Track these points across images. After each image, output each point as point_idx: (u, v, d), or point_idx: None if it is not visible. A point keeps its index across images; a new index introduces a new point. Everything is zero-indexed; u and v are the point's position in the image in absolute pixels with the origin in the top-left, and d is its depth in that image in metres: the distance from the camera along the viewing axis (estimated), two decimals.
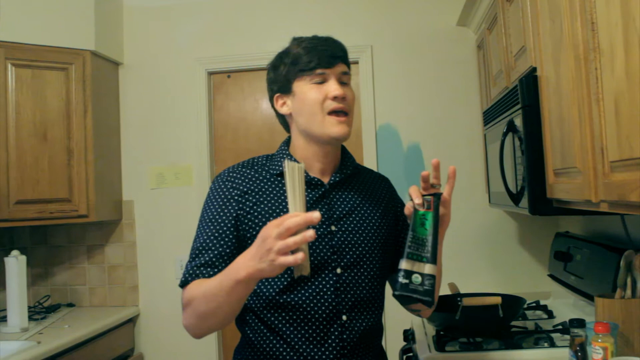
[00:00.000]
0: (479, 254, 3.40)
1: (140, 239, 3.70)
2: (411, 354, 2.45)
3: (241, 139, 3.67)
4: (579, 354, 1.73)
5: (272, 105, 1.69)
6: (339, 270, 1.57)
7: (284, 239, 1.21)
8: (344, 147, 1.75)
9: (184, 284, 1.52)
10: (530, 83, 2.01)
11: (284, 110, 1.65)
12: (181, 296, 1.52)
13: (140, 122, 3.72)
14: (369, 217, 1.65)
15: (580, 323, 1.75)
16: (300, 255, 1.21)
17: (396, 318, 3.08)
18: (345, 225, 1.61)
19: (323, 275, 1.55)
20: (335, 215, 1.61)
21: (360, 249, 1.61)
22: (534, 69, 2.04)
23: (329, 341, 1.54)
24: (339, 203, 1.63)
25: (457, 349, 2.26)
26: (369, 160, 3.45)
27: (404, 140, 3.48)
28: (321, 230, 1.57)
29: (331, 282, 1.55)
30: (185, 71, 3.69)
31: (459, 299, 2.29)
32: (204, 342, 3.38)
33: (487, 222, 3.41)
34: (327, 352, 1.54)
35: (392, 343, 3.20)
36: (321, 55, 1.57)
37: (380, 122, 3.49)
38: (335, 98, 1.55)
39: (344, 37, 3.41)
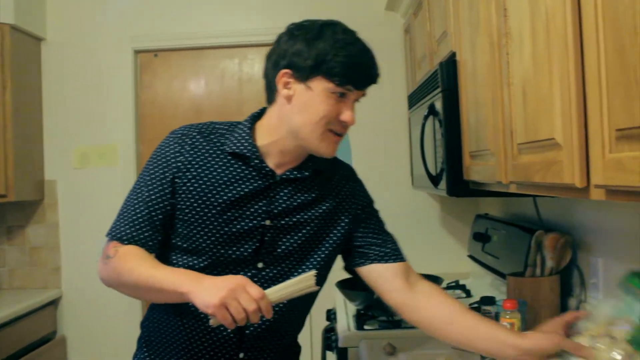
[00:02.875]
0: (402, 235, 3.39)
1: (64, 219, 3.61)
2: (333, 333, 2.49)
3: (168, 118, 3.62)
4: None
5: (270, 72, 1.50)
6: (260, 265, 1.52)
7: (245, 302, 1.23)
8: None
9: (114, 237, 1.48)
10: (450, 67, 2.06)
11: (285, 92, 1.45)
12: (105, 245, 1.48)
13: (64, 100, 3.62)
14: (311, 218, 1.56)
15: (490, 300, 1.82)
16: (229, 326, 1.24)
17: (319, 298, 3.11)
18: (282, 222, 1.53)
19: (242, 266, 1.50)
20: (275, 211, 1.51)
21: (290, 248, 1.54)
22: (454, 54, 2.09)
23: (229, 330, 1.49)
24: (284, 199, 1.53)
25: (377, 327, 2.31)
26: None
27: None
28: (255, 222, 1.50)
29: (249, 274, 1.49)
30: (112, 49, 3.61)
31: None
32: (129, 325, 3.34)
33: (410, 204, 3.48)
34: (228, 341, 1.51)
35: (316, 323, 3.24)
36: (359, 75, 1.44)
37: None
38: (344, 123, 1.45)
39: (270, 18, 3.44)
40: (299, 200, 1.55)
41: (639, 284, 1.34)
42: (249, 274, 1.49)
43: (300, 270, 1.55)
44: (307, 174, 1.55)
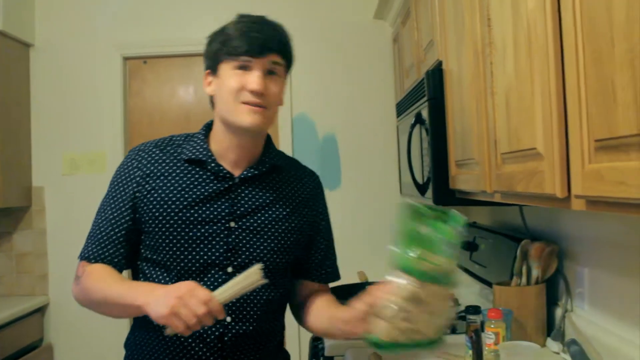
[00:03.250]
0: (389, 242, 3.46)
1: (51, 226, 3.59)
2: (320, 342, 2.48)
3: (157, 125, 3.61)
4: (474, 339, 1.79)
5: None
6: (229, 270, 1.50)
7: (194, 307, 1.23)
8: (270, 140, 1.65)
9: (82, 258, 1.53)
10: (436, 76, 2.06)
11: (209, 90, 1.55)
12: (77, 266, 1.53)
13: (53, 106, 3.61)
14: (276, 218, 1.56)
15: (475, 310, 1.81)
16: (183, 333, 1.24)
17: None
18: (247, 224, 1.52)
19: (213, 272, 1.50)
20: (238, 212, 1.52)
21: (258, 250, 1.53)
22: (441, 63, 2.10)
23: (207, 340, 1.49)
24: (245, 199, 1.54)
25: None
26: (284, 150, 3.45)
27: (319, 130, 3.51)
28: (219, 225, 1.50)
29: (219, 280, 1.47)
30: (101, 56, 3.60)
31: (367, 287, 2.32)
32: (116, 333, 3.32)
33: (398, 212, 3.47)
34: (208, 347, 1.50)
35: (304, 332, 3.23)
36: (252, 41, 1.45)
37: (296, 112, 3.51)
38: (251, 91, 1.45)
39: None
40: (260, 200, 1.56)
41: (416, 216, 1.31)
42: (220, 280, 1.48)
43: (269, 275, 1.51)
44: (264, 169, 1.57)
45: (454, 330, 2.29)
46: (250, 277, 1.32)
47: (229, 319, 1.50)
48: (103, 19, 3.61)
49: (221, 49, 1.48)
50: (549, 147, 1.12)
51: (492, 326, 1.75)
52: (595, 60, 0.92)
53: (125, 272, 1.57)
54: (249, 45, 1.45)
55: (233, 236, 1.51)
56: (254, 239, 1.53)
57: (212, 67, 1.53)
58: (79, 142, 3.60)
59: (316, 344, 2.54)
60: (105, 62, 3.60)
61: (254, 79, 1.45)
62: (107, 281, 1.45)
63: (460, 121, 1.86)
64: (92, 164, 3.58)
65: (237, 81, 1.46)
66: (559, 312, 2.00)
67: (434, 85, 2.06)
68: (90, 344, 3.50)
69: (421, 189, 2.24)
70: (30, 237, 3.59)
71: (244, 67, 1.46)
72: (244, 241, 1.52)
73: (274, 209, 1.57)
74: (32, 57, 3.62)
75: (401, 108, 2.77)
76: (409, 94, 2.47)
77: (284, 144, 3.48)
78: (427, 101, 2.08)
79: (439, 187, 2.05)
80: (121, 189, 1.54)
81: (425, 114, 2.13)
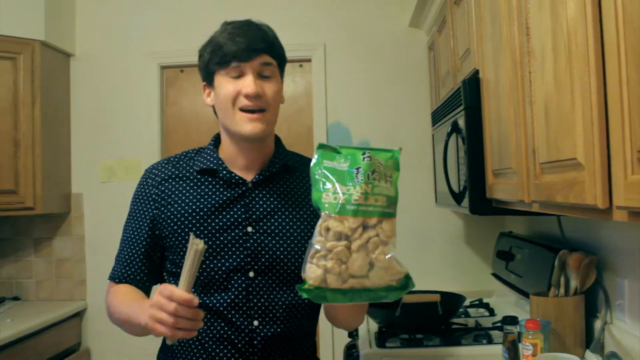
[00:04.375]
0: (426, 252, 3.45)
1: (89, 232, 3.65)
2: (355, 350, 2.48)
3: (193, 134, 3.65)
4: (511, 350, 1.78)
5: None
6: (251, 274, 1.52)
7: (169, 312, 1.23)
8: (279, 141, 1.68)
9: (110, 278, 1.61)
10: (472, 85, 2.05)
11: (208, 101, 1.59)
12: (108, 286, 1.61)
13: (92, 114, 3.67)
14: (293, 219, 1.57)
15: (513, 320, 1.80)
16: (175, 336, 1.26)
17: None
18: (265, 227, 1.54)
19: (235, 278, 1.51)
20: (254, 216, 1.54)
21: (278, 252, 1.53)
22: (477, 71, 2.09)
23: (239, 345, 1.51)
24: (260, 203, 1.55)
25: (398, 345, 2.29)
26: None
27: (354, 138, 3.51)
28: (237, 231, 1.52)
29: (243, 285, 1.50)
30: (138, 65, 3.66)
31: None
32: (152, 338, 3.36)
33: (434, 221, 3.46)
34: (241, 356, 1.51)
35: (338, 339, 3.24)
36: (238, 46, 1.48)
37: (332, 120, 3.52)
38: (247, 96, 1.47)
39: (297, 35, 3.45)
40: (275, 202, 1.57)
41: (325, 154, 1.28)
42: (243, 285, 1.51)
43: (291, 277, 1.55)
44: (275, 170, 1.59)
45: (490, 341, 2.27)
46: (191, 251, 1.29)
47: (256, 322, 1.52)
48: (140, 28, 3.67)
49: (211, 59, 1.52)
50: (590, 157, 1.11)
51: (529, 337, 1.73)
52: (638, 67, 0.90)
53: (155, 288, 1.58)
54: (236, 51, 1.48)
55: (251, 241, 1.53)
56: (273, 242, 1.54)
57: (208, 79, 1.57)
58: (117, 150, 3.65)
59: (351, 352, 2.54)
60: (142, 71, 3.65)
61: (247, 83, 1.48)
62: (124, 302, 1.50)
63: (497, 130, 1.85)
64: (129, 171, 3.63)
65: (232, 89, 1.49)
66: (598, 323, 1.96)
67: (470, 94, 2.05)
68: (126, 348, 3.52)
69: (457, 197, 2.22)
70: (69, 243, 3.65)
71: (236, 76, 1.49)
72: (263, 244, 1.53)
73: (290, 209, 1.58)
74: (72, 67, 3.69)
75: (437, 116, 2.76)
76: (445, 102, 2.46)
77: None
78: (463, 110, 2.07)
79: (475, 196, 2.03)
80: (139, 208, 1.59)
81: (461, 122, 2.11)
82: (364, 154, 1.28)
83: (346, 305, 1.31)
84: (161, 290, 1.26)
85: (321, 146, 1.30)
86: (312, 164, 1.28)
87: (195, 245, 1.27)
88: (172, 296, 1.23)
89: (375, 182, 1.24)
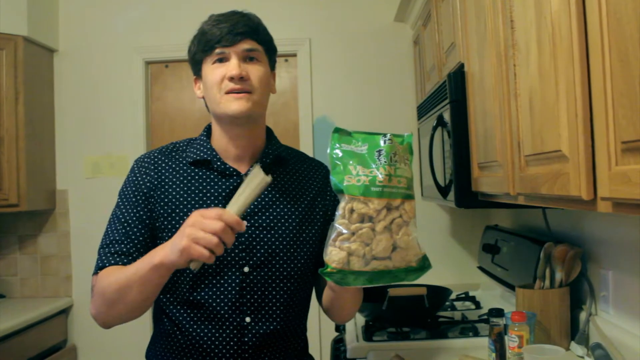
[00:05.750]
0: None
1: (75, 229, 3.63)
2: (342, 344, 2.48)
3: (178, 129, 3.64)
4: (497, 342, 1.79)
5: None
6: (246, 269, 1.49)
7: (209, 225, 1.20)
8: (271, 132, 1.66)
9: (94, 273, 1.48)
10: (458, 78, 2.06)
11: (199, 94, 1.58)
12: (91, 283, 1.48)
13: (76, 110, 3.65)
14: (288, 212, 1.55)
15: (499, 313, 1.81)
16: (209, 260, 1.21)
17: None
18: (260, 221, 1.52)
19: (229, 274, 1.48)
20: (248, 210, 1.49)
21: (273, 247, 1.51)
22: (462, 65, 2.09)
23: (231, 343, 1.48)
24: None
25: (385, 338, 2.30)
26: (305, 152, 3.47)
27: None
28: None
29: (237, 281, 1.48)
30: (123, 60, 3.63)
31: (387, 289, 2.32)
32: (138, 334, 3.34)
33: (420, 215, 3.43)
34: (230, 352, 1.48)
35: (325, 334, 3.24)
36: (222, 31, 1.48)
37: (317, 115, 3.51)
38: (232, 79, 1.46)
39: (283, 29, 3.44)
40: (270, 195, 1.56)
41: (339, 139, 1.30)
42: (237, 280, 1.48)
43: (287, 272, 1.53)
44: (268, 161, 1.57)
45: (476, 333, 2.28)
46: (255, 179, 1.29)
47: (248, 319, 1.49)
48: (125, 24, 3.64)
49: (197, 48, 1.53)
50: (574, 149, 1.12)
51: (515, 329, 1.74)
52: (621, 61, 0.91)
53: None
54: (219, 36, 1.48)
55: (245, 235, 1.50)
56: (268, 236, 1.52)
57: (197, 71, 1.57)
58: (102, 146, 3.63)
59: (338, 346, 2.54)
60: (127, 67, 3.63)
61: (231, 66, 1.47)
62: (119, 270, 1.40)
63: (482, 123, 1.85)
64: (114, 167, 3.61)
65: (217, 73, 1.49)
66: (583, 315, 1.98)
67: (455, 87, 2.05)
68: (113, 345, 3.51)
69: (443, 191, 2.23)
70: (55, 239, 3.62)
71: (221, 60, 1.49)
72: (258, 239, 1.51)
73: (284, 203, 1.56)
74: (55, 63, 3.66)
75: (422, 110, 2.77)
76: (430, 96, 2.47)
77: (305, 147, 3.48)
78: (448, 103, 2.07)
79: (461, 189, 2.04)
80: (132, 193, 1.53)
81: (447, 116, 2.12)
82: (384, 136, 1.29)
83: (357, 290, 1.30)
84: (203, 213, 1.23)
85: (337, 130, 1.31)
86: (328, 148, 1.29)
87: (261, 175, 1.28)
88: (222, 216, 1.21)
89: (397, 165, 1.26)
